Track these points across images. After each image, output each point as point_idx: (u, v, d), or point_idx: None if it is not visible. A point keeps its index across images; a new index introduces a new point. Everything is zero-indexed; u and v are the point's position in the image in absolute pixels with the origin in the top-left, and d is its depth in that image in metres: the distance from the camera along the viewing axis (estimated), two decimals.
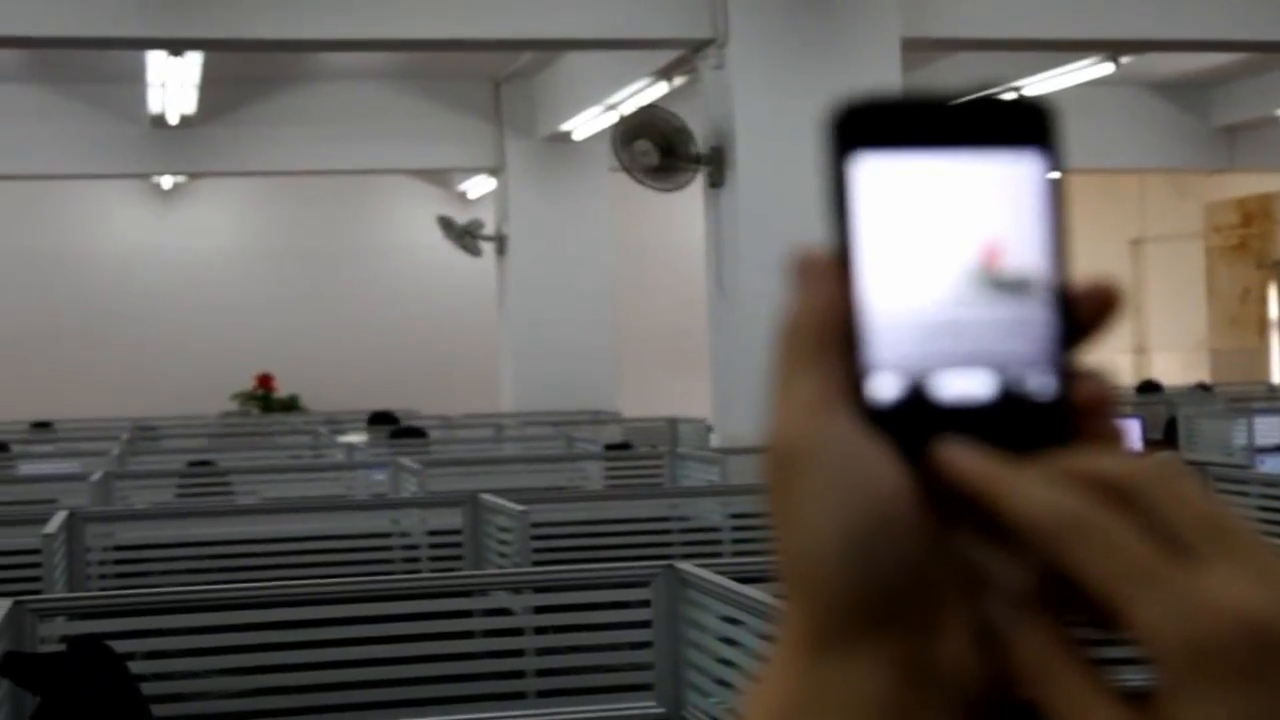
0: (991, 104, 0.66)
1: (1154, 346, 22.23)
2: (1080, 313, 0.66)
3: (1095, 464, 0.61)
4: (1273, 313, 22.67)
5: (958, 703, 0.64)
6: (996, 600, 0.63)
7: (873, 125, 0.65)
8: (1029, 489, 0.61)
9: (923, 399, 0.64)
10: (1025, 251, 0.65)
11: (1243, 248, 22.88)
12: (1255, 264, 22.76)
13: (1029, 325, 0.65)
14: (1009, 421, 0.64)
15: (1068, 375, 0.65)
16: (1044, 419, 0.64)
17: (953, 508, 0.64)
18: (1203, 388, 16.19)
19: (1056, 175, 0.66)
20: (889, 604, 0.63)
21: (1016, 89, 13.49)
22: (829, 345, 0.64)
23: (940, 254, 0.65)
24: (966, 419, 0.64)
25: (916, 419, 0.64)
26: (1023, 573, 0.64)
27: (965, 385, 0.65)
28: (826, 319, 0.64)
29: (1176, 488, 0.61)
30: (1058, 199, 0.66)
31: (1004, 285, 0.65)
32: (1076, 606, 0.62)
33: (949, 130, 0.65)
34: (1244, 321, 22.82)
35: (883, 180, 0.65)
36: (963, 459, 0.62)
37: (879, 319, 0.64)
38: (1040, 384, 0.65)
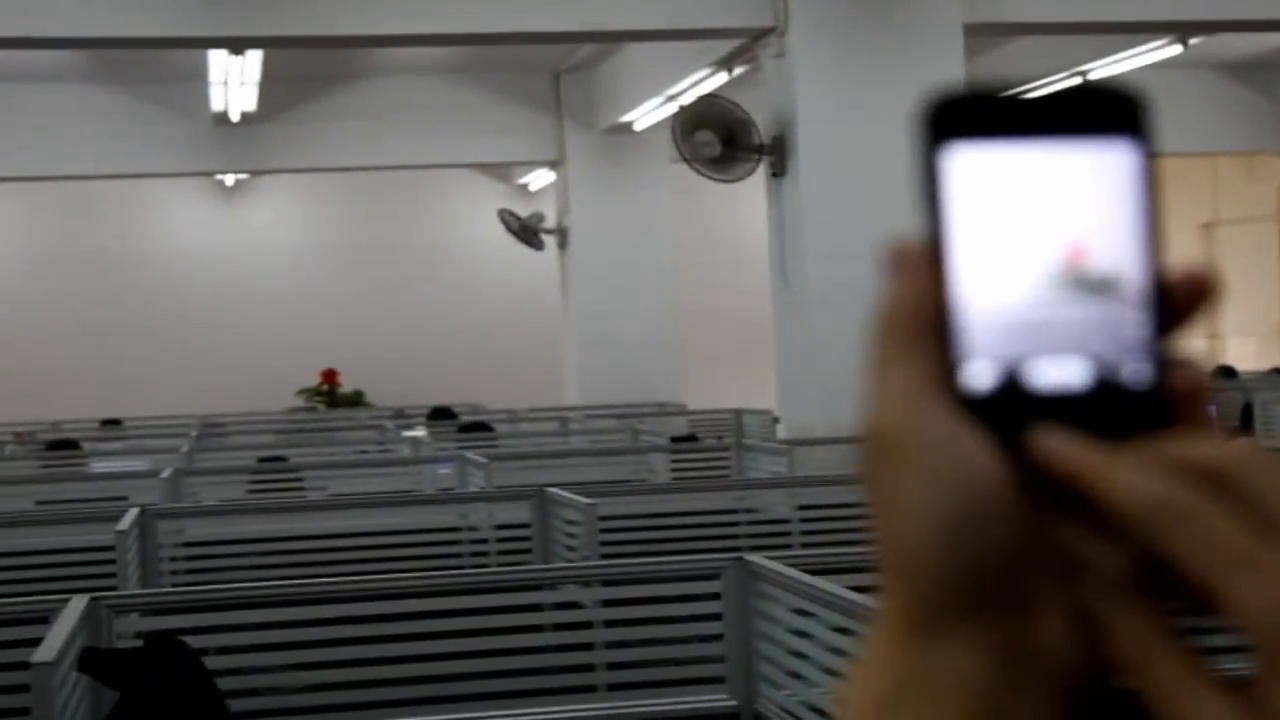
0: (1084, 92, 0.67)
1: (1228, 332, 22.00)
2: (1175, 301, 0.67)
3: (1188, 450, 0.62)
4: None
5: (1056, 687, 0.64)
6: (1095, 587, 0.63)
7: (965, 117, 0.66)
8: (1126, 476, 0.62)
9: (1018, 387, 0.65)
10: (1115, 247, 0.66)
11: None
12: None
13: (1121, 318, 0.66)
14: (1104, 410, 0.65)
15: (1163, 363, 0.66)
16: (1139, 407, 0.65)
17: (1049, 494, 0.65)
18: (1278, 372, 16.01)
19: (1150, 163, 0.67)
20: (987, 588, 0.63)
21: (1084, 74, 13.41)
22: (923, 335, 0.65)
23: (1030, 249, 0.66)
24: (1061, 407, 0.65)
25: (1012, 407, 0.65)
26: (1121, 559, 0.65)
27: (1060, 374, 0.65)
28: (920, 309, 0.65)
29: (1269, 473, 0.61)
30: (1152, 187, 0.67)
31: (1091, 285, 0.66)
32: (1175, 593, 0.63)
33: (1041, 121, 0.66)
34: None
35: (974, 172, 0.66)
36: (1060, 447, 0.63)
37: (972, 310, 0.65)
38: (1135, 372, 0.66)
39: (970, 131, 0.66)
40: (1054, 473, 0.64)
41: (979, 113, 0.67)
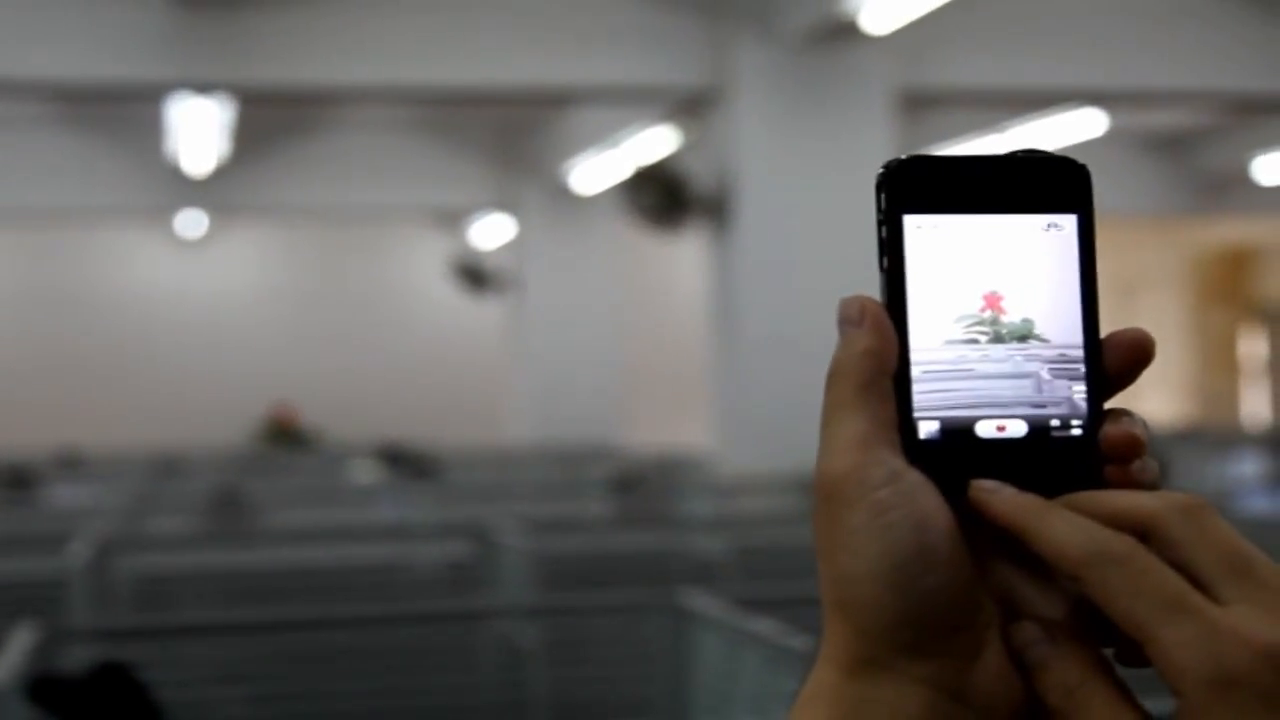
0: (1029, 162, 0.69)
1: (1144, 384, 22.25)
2: (1110, 360, 0.69)
3: (1119, 501, 0.64)
4: (1246, 356, 22.75)
5: None
6: (1028, 630, 0.65)
7: (919, 184, 0.68)
8: (1061, 524, 0.63)
9: (960, 437, 0.67)
10: (1040, 302, 0.68)
11: (1225, 293, 22.96)
12: (1236, 308, 22.85)
13: (1044, 374, 0.68)
14: (1041, 460, 0.67)
15: (1098, 418, 0.68)
16: (1075, 458, 0.67)
17: (989, 540, 0.66)
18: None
19: (1087, 230, 0.69)
20: (927, 628, 0.64)
21: (1004, 131, 13.56)
22: (871, 387, 0.66)
23: (963, 306, 0.68)
24: (1002, 456, 0.67)
25: (955, 456, 0.67)
26: (1055, 603, 0.67)
27: (1001, 425, 0.67)
28: (870, 363, 0.66)
29: (1199, 524, 0.62)
30: (1088, 254, 0.69)
31: (1017, 333, 0.68)
32: (1105, 637, 0.64)
33: (990, 187, 0.69)
34: (1223, 364, 22.91)
35: (928, 235, 0.68)
36: (996, 496, 0.65)
37: (920, 363, 0.67)
38: (1071, 425, 0.68)
39: (923, 198, 0.68)
40: (993, 521, 0.65)
41: (932, 180, 0.68)
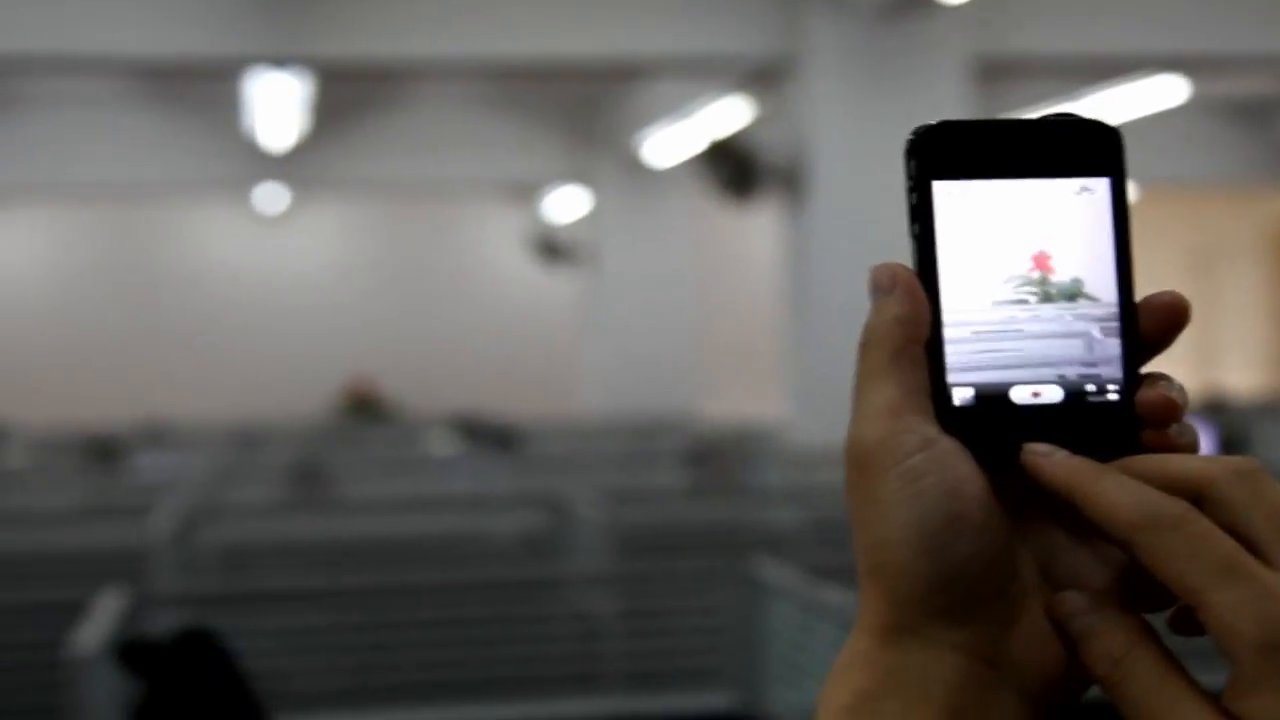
0: (1060, 125, 0.68)
1: (1225, 355, 21.97)
2: (1148, 325, 0.68)
3: (1171, 465, 0.62)
4: None
5: (1028, 690, 0.65)
6: (1075, 597, 0.64)
7: (950, 149, 0.67)
8: (1113, 488, 0.62)
9: (995, 403, 0.66)
10: (1085, 263, 0.67)
11: None
12: None
13: (1092, 334, 0.67)
14: (1078, 425, 0.66)
15: (1135, 382, 0.67)
16: (1111, 423, 0.66)
17: (1028, 507, 0.66)
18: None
19: (1121, 194, 0.68)
20: (961, 595, 0.64)
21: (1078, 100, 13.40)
22: (904, 354, 0.66)
23: (1010, 268, 0.67)
24: (1038, 422, 0.66)
25: (990, 421, 0.66)
26: (1098, 570, 0.66)
27: (1036, 390, 0.66)
28: (902, 330, 0.66)
29: (1254, 487, 0.61)
30: (1122, 218, 0.68)
31: (1058, 291, 0.67)
32: (1154, 605, 0.63)
33: (1021, 152, 0.68)
34: None
35: (959, 201, 0.67)
36: (1050, 460, 0.64)
37: (955, 329, 0.67)
38: (1107, 391, 0.67)
39: (954, 164, 0.67)
40: (1042, 484, 0.64)
41: (962, 145, 0.68)
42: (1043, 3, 10.03)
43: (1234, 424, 9.98)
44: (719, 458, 9.07)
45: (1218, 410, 11.84)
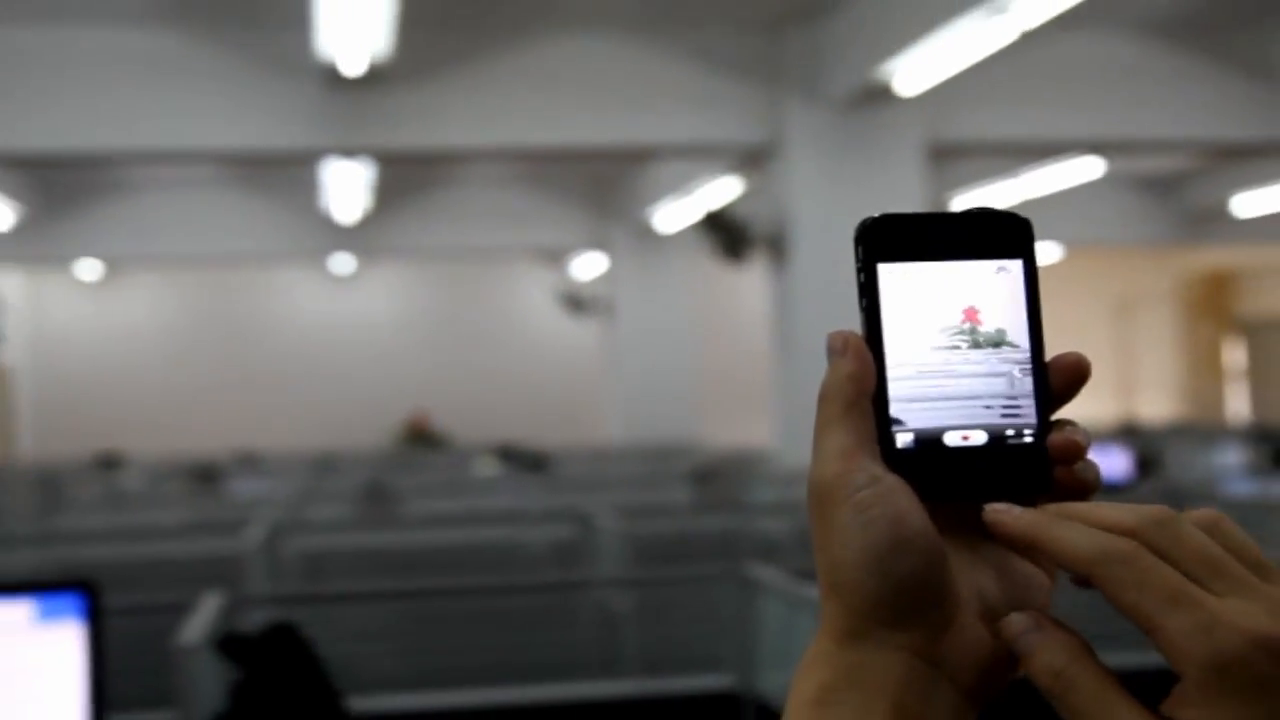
0: (981, 217, 0.69)
1: (1141, 386, 21.94)
2: (1057, 380, 0.68)
3: (1103, 514, 0.61)
4: (1229, 362, 22.43)
5: (962, 682, 0.65)
6: (1019, 618, 0.63)
7: (890, 238, 0.68)
8: (1069, 532, 0.61)
9: (931, 446, 0.67)
10: (1007, 319, 0.68)
11: (1210, 310, 22.67)
12: (1219, 322, 22.54)
13: (1016, 373, 0.67)
14: (1000, 463, 0.66)
15: (1046, 427, 0.67)
16: (1027, 461, 0.66)
17: (962, 534, 0.66)
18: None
19: (1032, 272, 0.68)
20: (904, 606, 0.64)
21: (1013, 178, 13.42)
22: (854, 406, 0.66)
23: (945, 321, 0.67)
24: (966, 461, 0.66)
25: (927, 461, 0.66)
26: (1042, 593, 0.67)
27: (965, 434, 0.67)
28: (852, 386, 0.66)
29: (1173, 534, 0.60)
30: (1034, 291, 0.68)
31: (984, 339, 0.67)
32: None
33: (949, 239, 0.68)
34: (1209, 370, 22.61)
35: (899, 278, 0.68)
36: (1010, 515, 0.63)
37: (896, 384, 0.67)
38: (1024, 435, 0.67)
39: (892, 249, 0.68)
40: (1003, 538, 0.63)
41: (900, 234, 0.68)
42: (985, 95, 10.05)
43: (1148, 446, 9.93)
44: (718, 477, 9.05)
45: (1134, 434, 11.78)
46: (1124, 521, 0.61)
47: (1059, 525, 0.62)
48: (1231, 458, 9.45)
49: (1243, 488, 7.79)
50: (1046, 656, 0.61)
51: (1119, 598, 0.58)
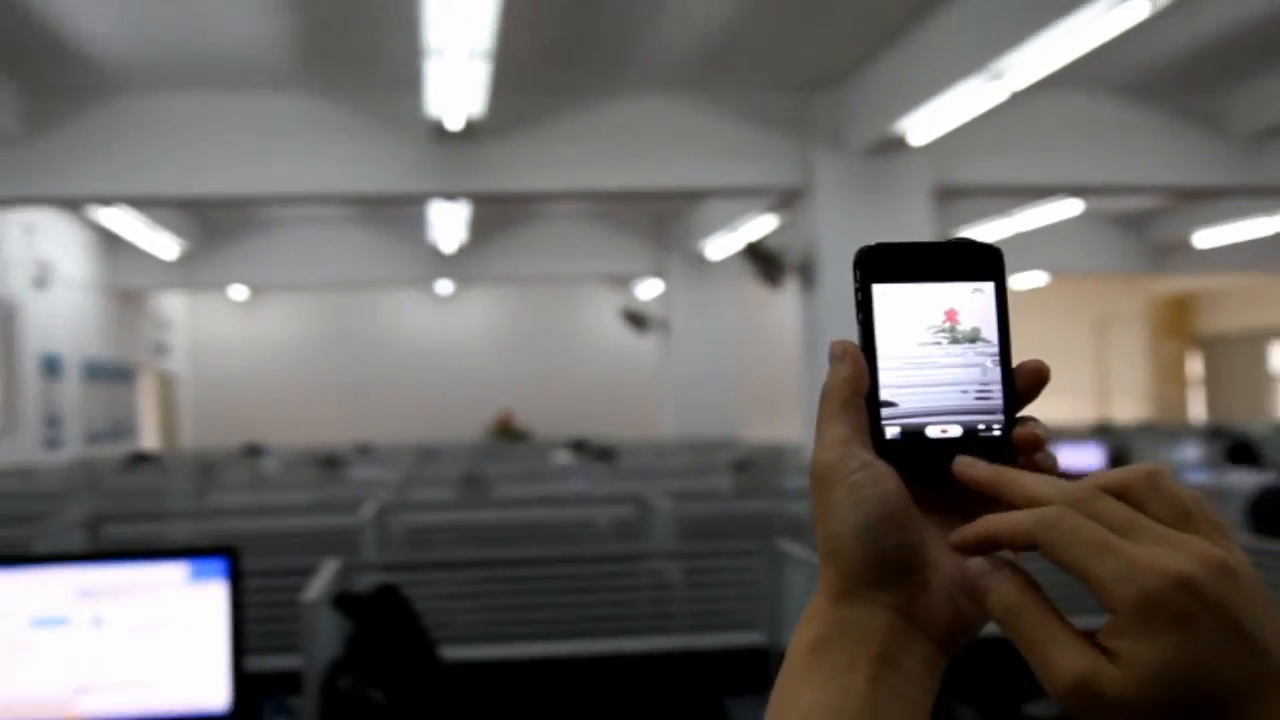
0: (959, 246, 0.68)
1: (1114, 391, 21.64)
2: (1022, 383, 0.67)
3: (1101, 477, 0.61)
4: (1190, 372, 22.14)
5: (935, 636, 0.65)
6: (979, 561, 0.63)
7: (882, 263, 0.68)
8: (1026, 479, 0.62)
9: (915, 437, 0.66)
10: (981, 321, 0.67)
11: (1173, 328, 22.39)
12: (1181, 339, 22.25)
13: (988, 364, 0.66)
14: (972, 452, 0.66)
15: (1012, 423, 0.67)
16: (996, 451, 0.66)
17: (939, 511, 0.66)
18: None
19: (1003, 292, 0.68)
20: (888, 571, 0.64)
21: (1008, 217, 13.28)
22: (850, 404, 0.66)
23: (929, 321, 0.67)
24: (944, 450, 0.66)
25: (911, 450, 0.66)
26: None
27: (944, 428, 0.66)
28: (849, 386, 0.66)
29: (1156, 484, 0.60)
30: (1004, 309, 0.68)
31: (969, 336, 0.67)
32: None
33: (932, 265, 0.68)
34: (1173, 379, 22.31)
35: (891, 295, 0.67)
36: (976, 467, 0.64)
37: (885, 385, 0.67)
38: (993, 428, 0.66)
39: (884, 272, 0.68)
40: (970, 483, 0.64)
41: (891, 260, 0.68)
42: (983, 146, 9.97)
43: (1120, 443, 9.78)
44: (754, 467, 9.01)
45: (1108, 432, 11.60)
46: (1119, 475, 0.61)
47: (1017, 473, 0.62)
48: (1191, 453, 9.29)
49: (1200, 477, 7.67)
50: (1000, 591, 0.61)
51: (1058, 555, 0.58)
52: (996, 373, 0.66)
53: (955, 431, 0.66)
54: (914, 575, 0.65)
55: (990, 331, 0.67)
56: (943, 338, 0.67)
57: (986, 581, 0.62)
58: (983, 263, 0.68)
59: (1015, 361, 0.68)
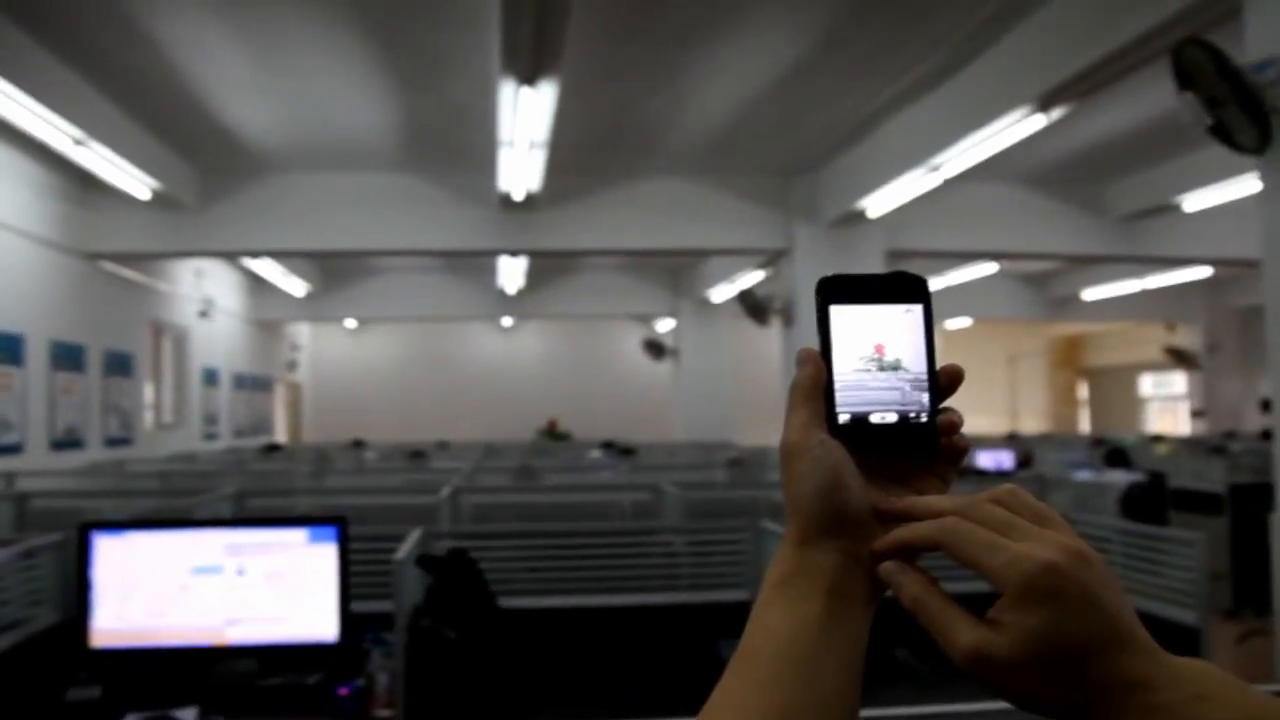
0: (895, 277, 0.68)
1: (1021, 412, 21.46)
2: (945, 381, 0.67)
3: (986, 493, 0.61)
4: (1079, 395, 21.94)
5: (874, 574, 0.64)
6: (890, 564, 0.63)
7: (838, 289, 0.67)
8: (919, 527, 0.61)
9: (861, 422, 0.66)
10: (903, 351, 0.67)
11: (1067, 361, 22.22)
12: (1072, 370, 22.08)
13: (907, 389, 0.66)
14: (905, 434, 0.66)
15: (935, 413, 0.66)
16: (924, 433, 0.66)
17: (875, 483, 0.65)
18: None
19: (928, 314, 0.68)
20: (839, 523, 0.64)
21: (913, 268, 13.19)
22: (811, 395, 0.66)
23: (862, 352, 0.67)
24: (883, 432, 0.66)
25: (858, 431, 0.66)
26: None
27: (881, 416, 0.66)
28: (810, 382, 0.66)
29: (1018, 496, 0.61)
30: (929, 326, 0.67)
31: (891, 366, 0.67)
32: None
33: (874, 291, 0.68)
34: (1066, 400, 22.10)
35: (843, 315, 0.67)
36: (888, 502, 0.64)
37: (838, 382, 0.67)
38: (921, 416, 0.66)
39: (838, 296, 0.68)
40: (890, 513, 0.63)
41: (844, 287, 0.68)
42: (924, 220, 9.96)
43: (1025, 448, 9.69)
44: (745, 464, 8.97)
45: (1016, 440, 11.50)
46: (997, 491, 0.61)
47: (918, 497, 0.63)
48: (1077, 456, 9.22)
49: (1084, 475, 7.61)
50: (908, 587, 0.61)
51: (958, 554, 0.58)
52: (914, 394, 0.66)
53: (892, 418, 0.66)
54: (859, 527, 0.64)
55: (914, 357, 0.67)
56: (872, 365, 0.67)
57: (897, 579, 0.62)
58: (913, 289, 0.68)
59: (940, 364, 0.67)
